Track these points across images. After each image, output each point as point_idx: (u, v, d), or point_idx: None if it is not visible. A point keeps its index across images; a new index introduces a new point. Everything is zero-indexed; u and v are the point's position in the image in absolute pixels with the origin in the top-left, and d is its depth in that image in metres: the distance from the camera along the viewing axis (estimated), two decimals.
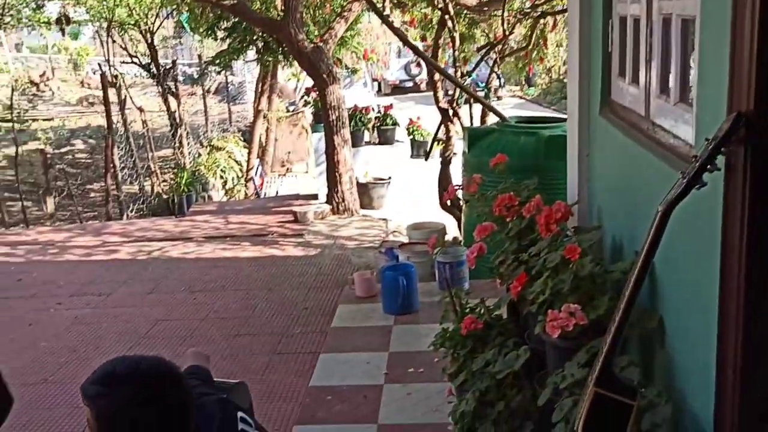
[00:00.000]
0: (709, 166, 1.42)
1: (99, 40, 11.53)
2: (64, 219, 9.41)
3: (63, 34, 9.76)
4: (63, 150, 14.34)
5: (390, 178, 8.26)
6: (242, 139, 13.49)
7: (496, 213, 2.86)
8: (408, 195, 8.40)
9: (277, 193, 11.21)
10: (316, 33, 8.74)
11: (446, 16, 5.58)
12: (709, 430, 1.62)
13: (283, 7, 7.22)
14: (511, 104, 18.59)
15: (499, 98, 17.38)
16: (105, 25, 10.55)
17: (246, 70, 17.12)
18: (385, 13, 6.23)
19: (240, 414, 1.79)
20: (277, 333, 4.22)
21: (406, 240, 5.57)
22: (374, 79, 21.09)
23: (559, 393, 2.02)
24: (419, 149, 11.25)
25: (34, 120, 17.35)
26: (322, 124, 7.38)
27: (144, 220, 8.24)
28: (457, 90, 5.75)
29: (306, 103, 13.29)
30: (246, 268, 5.63)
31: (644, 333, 2.05)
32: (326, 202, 7.31)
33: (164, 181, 10.11)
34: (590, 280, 2.13)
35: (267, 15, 7.88)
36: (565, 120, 5.12)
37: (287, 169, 13.47)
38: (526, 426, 2.33)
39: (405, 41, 5.50)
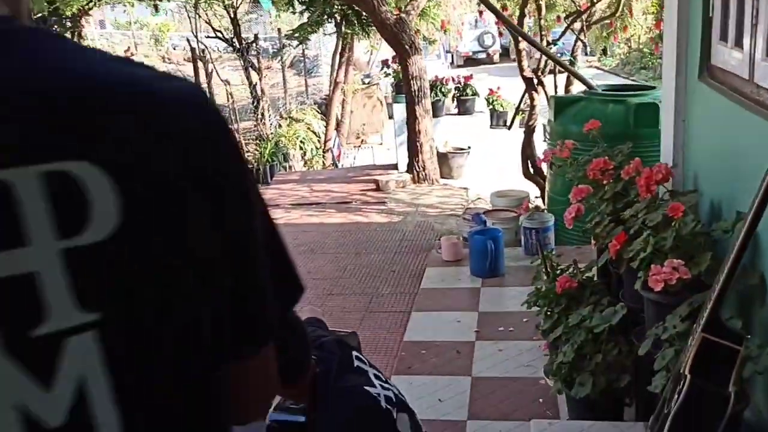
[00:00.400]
0: None
1: (186, 14, 11.89)
2: None
3: (156, 10, 10.18)
4: None
5: (469, 147, 8.33)
6: (318, 111, 13.75)
7: (590, 177, 2.94)
8: (487, 164, 8.46)
9: (352, 164, 11.44)
10: (393, 4, 8.84)
11: None
12: None
13: None
14: (588, 75, 18.17)
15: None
16: (192, 1, 10.92)
17: (321, 44, 17.34)
18: None
19: (354, 353, 1.97)
20: (368, 293, 4.42)
21: (487, 207, 5.67)
22: (447, 51, 20.99)
23: (659, 345, 2.12)
24: (499, 119, 11.25)
25: None
26: (404, 95, 7.51)
27: None
28: (542, 59, 5.77)
29: (386, 75, 13.41)
30: (333, 233, 5.86)
31: (744, 290, 2.12)
32: (407, 171, 7.47)
33: (248, 151, 10.48)
34: (691, 239, 2.21)
35: None
36: (652, 88, 5.10)
37: (362, 140, 13.69)
38: (623, 378, 2.44)
39: (493, 10, 5.54)
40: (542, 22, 5.76)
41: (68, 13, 8.45)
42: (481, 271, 4.20)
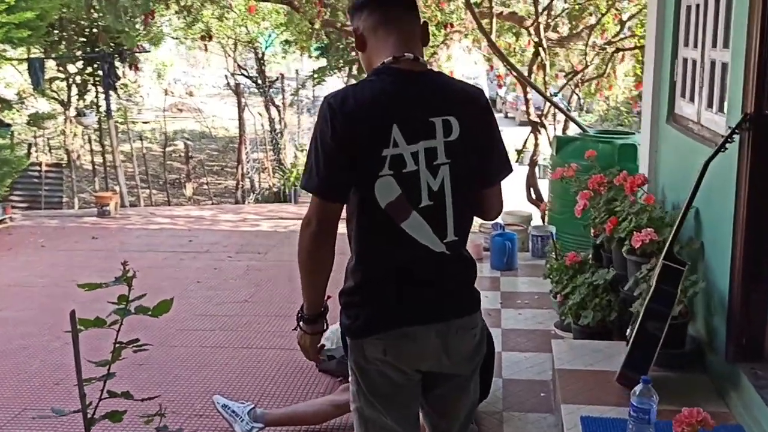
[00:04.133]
0: (729, 140, 2.77)
1: (225, 53, 13.18)
2: (200, 202, 11.06)
3: (205, 49, 11.46)
4: (170, 149, 16.16)
5: None
6: None
7: (591, 187, 4.21)
8: None
9: None
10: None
11: (540, 48, 7.00)
12: (726, 297, 2.94)
13: None
14: (570, 128, 19.72)
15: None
16: (232, 42, 12.27)
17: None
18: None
19: None
20: None
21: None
22: None
23: (638, 284, 3.34)
24: None
25: (133, 122, 19.43)
26: None
27: (271, 204, 9.81)
28: (545, 106, 7.10)
29: None
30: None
31: (691, 252, 3.37)
32: None
33: (274, 176, 11.71)
34: (659, 220, 3.46)
35: None
36: (631, 133, 6.44)
37: None
38: (612, 314, 3.65)
39: (508, 63, 6.91)
40: (545, 77, 7.11)
41: (128, 47, 9.72)
42: (500, 265, 5.42)
